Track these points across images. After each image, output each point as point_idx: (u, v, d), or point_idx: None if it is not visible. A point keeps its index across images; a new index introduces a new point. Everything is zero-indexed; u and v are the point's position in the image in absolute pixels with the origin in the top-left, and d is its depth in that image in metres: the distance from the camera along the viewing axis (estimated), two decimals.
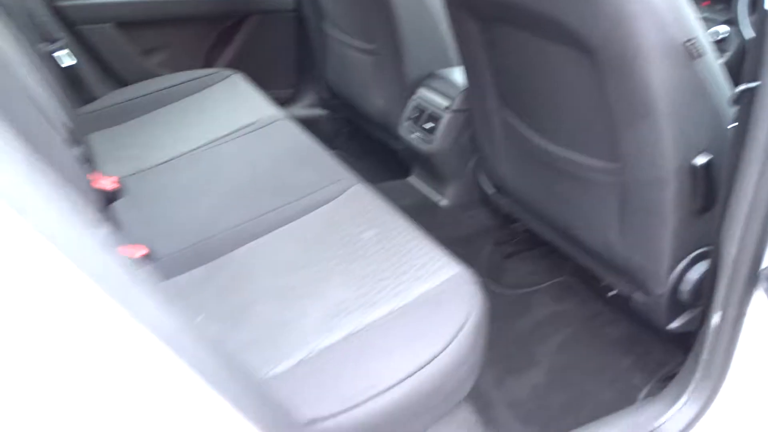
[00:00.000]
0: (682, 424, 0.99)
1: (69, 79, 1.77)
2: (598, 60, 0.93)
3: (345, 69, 1.86)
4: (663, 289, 1.11)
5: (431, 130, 1.52)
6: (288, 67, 2.14)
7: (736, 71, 0.88)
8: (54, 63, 1.72)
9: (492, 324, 0.99)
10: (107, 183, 1.37)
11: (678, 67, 0.86)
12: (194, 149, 1.50)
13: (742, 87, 0.80)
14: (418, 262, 1.02)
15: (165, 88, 1.76)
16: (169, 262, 1.12)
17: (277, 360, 0.88)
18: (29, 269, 0.48)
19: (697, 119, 0.95)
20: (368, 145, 1.97)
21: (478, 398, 1.22)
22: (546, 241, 1.43)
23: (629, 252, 1.12)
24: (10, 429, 0.50)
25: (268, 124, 1.52)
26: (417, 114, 1.57)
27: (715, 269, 0.93)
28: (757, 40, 0.78)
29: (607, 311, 1.48)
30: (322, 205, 1.21)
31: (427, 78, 1.57)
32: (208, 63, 2.03)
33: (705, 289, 1.07)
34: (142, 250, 1.13)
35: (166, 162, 1.46)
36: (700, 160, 0.96)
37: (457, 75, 1.51)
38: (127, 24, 1.89)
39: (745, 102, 0.81)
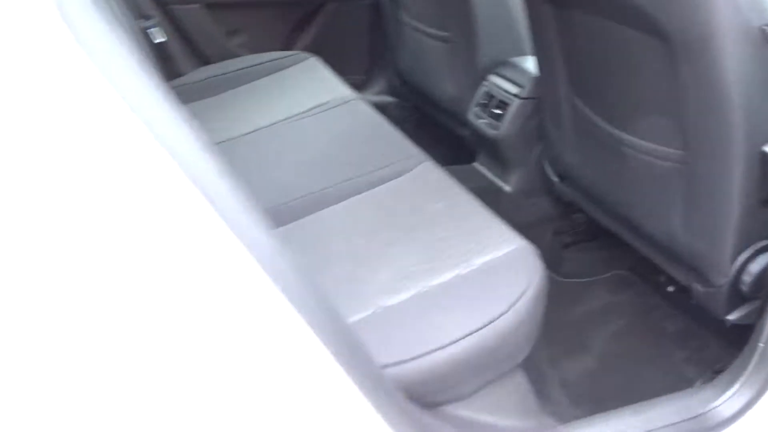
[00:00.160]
0: (734, 410, 1.01)
1: (160, 55, 1.89)
2: (673, 45, 0.96)
3: (418, 56, 1.91)
4: (724, 279, 1.12)
5: (499, 117, 1.56)
6: (361, 54, 2.21)
7: None
8: (148, 39, 1.85)
9: (547, 309, 1.03)
10: None
11: (753, 52, 0.88)
12: (272, 124, 1.59)
13: None
14: (483, 233, 1.07)
15: (246, 68, 1.86)
16: None
17: (347, 313, 0.94)
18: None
19: None
20: (434, 132, 2.02)
21: (533, 371, 1.25)
22: (606, 233, 1.45)
23: (692, 241, 1.13)
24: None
25: (343, 103, 1.60)
26: (486, 100, 1.61)
27: None
28: None
29: (664, 306, 1.49)
30: (393, 179, 1.27)
31: (499, 66, 1.61)
32: (286, 46, 2.12)
33: (766, 281, 1.08)
34: None
35: (245, 135, 1.55)
36: None
37: (529, 63, 1.55)
38: (214, 5, 2.00)
39: None
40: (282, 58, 1.90)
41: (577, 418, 1.03)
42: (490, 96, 1.61)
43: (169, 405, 0.61)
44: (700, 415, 0.99)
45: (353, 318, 0.93)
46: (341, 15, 2.13)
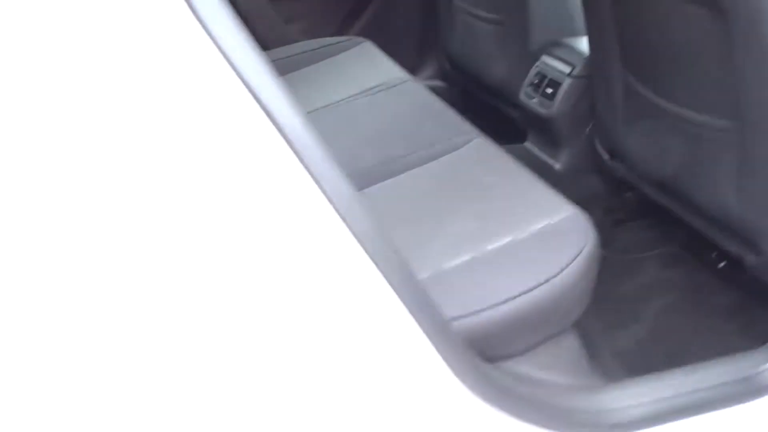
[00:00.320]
0: None
1: None
2: (729, 18, 0.98)
3: (469, 40, 1.96)
4: None
5: (551, 96, 1.59)
6: (413, 39, 2.27)
7: None
8: None
9: (598, 284, 1.06)
10: None
11: None
12: (329, 105, 1.66)
13: None
14: (536, 202, 1.12)
15: (303, 52, 1.94)
16: None
17: None
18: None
19: None
20: (483, 116, 2.06)
21: (585, 340, 1.29)
22: (656, 211, 1.47)
23: (746, 210, 1.16)
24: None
25: (398, 84, 1.66)
26: (538, 80, 1.65)
27: None
28: None
29: (714, 281, 1.50)
30: (447, 153, 1.32)
31: (551, 46, 1.65)
32: (340, 32, 2.19)
33: None
34: None
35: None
36: None
37: (581, 43, 1.58)
38: None
39: None
40: (337, 43, 1.97)
41: None
42: (542, 76, 1.64)
43: (262, 351, 0.67)
44: (750, 377, 1.02)
45: None
46: (394, 1, 2.19)
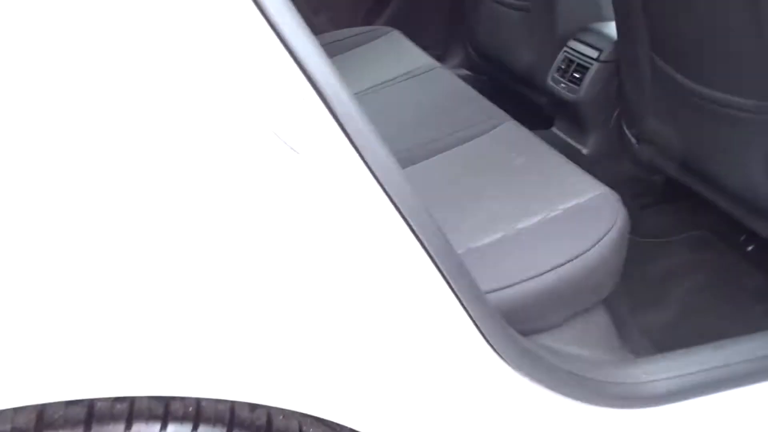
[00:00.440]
0: None
1: None
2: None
3: (495, 28, 1.98)
4: None
5: (578, 80, 1.61)
6: (439, 28, 2.29)
7: None
8: None
9: (626, 265, 1.08)
10: None
11: None
12: (360, 92, 1.69)
13: None
14: (566, 182, 1.14)
15: (332, 42, 1.97)
16: None
17: None
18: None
19: None
20: (510, 104, 2.08)
21: (613, 315, 1.32)
22: (684, 195, 1.48)
23: None
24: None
25: (427, 71, 1.68)
26: (565, 65, 1.67)
27: None
28: None
29: (743, 263, 1.51)
30: (478, 136, 1.35)
31: (579, 32, 1.66)
32: (366, 22, 2.22)
33: None
34: None
35: None
36: None
37: (608, 28, 1.59)
38: None
39: None
40: (365, 32, 2.00)
41: None
42: (569, 61, 1.66)
43: (311, 319, 0.71)
44: None
45: None
46: None
